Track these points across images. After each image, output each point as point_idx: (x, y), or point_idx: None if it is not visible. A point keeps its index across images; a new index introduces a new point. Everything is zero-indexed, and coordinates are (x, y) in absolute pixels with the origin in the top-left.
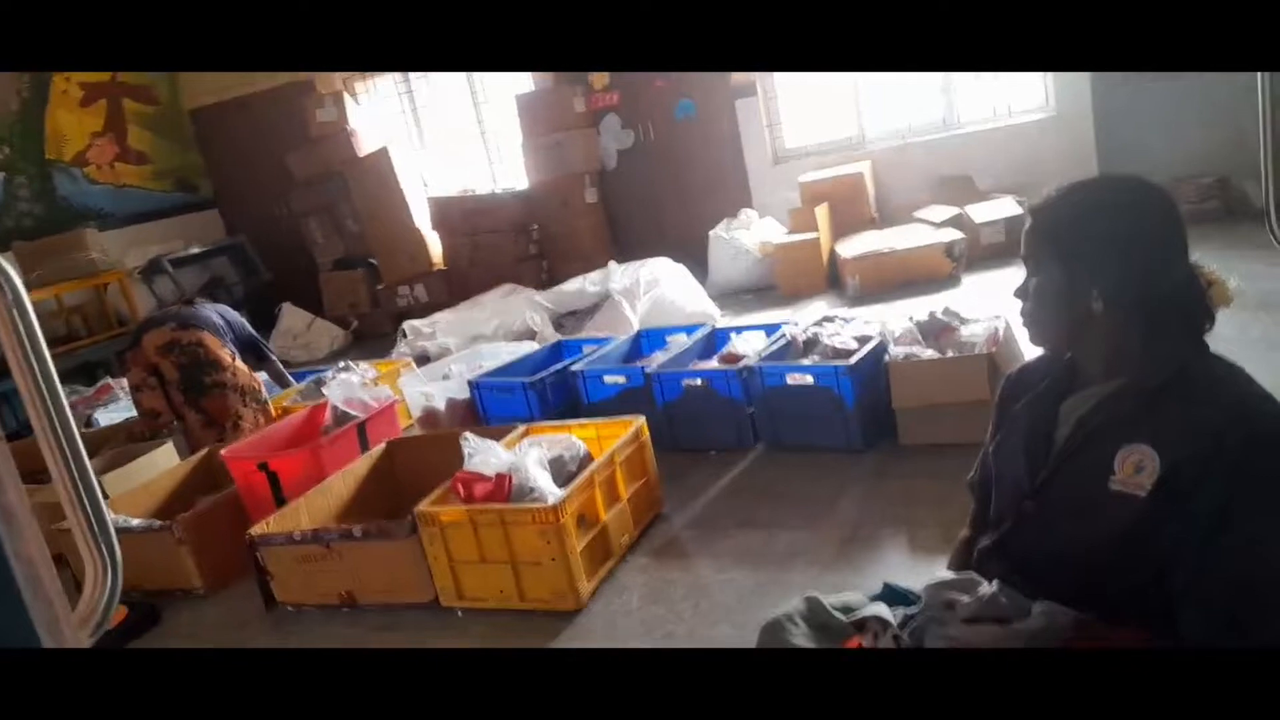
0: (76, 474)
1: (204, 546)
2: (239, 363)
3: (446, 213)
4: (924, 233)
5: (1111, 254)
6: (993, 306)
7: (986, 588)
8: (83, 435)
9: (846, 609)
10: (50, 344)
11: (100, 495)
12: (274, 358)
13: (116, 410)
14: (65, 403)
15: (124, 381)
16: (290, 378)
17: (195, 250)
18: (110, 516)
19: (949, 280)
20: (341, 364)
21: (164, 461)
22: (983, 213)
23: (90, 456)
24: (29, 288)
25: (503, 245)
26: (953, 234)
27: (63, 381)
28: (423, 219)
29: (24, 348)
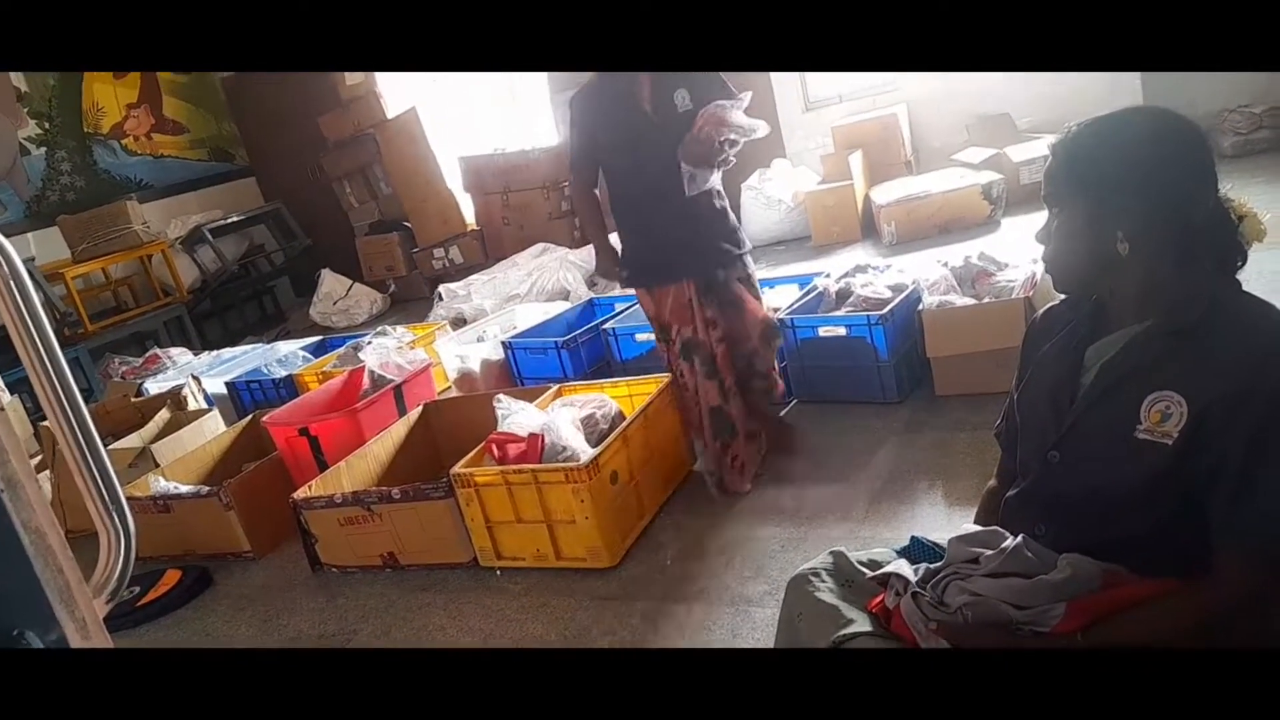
0: (85, 445)
1: (251, 511)
2: None
3: (478, 172)
4: (961, 175)
5: (1136, 191)
6: (1032, 250)
7: (1011, 541)
8: (134, 404)
9: (873, 564)
10: (100, 316)
11: (110, 467)
12: None
13: (165, 379)
14: (69, 376)
15: (171, 351)
16: None
17: (234, 218)
18: (120, 488)
19: (988, 223)
20: (378, 329)
21: (211, 429)
22: (1022, 152)
23: (142, 424)
24: (76, 261)
25: (535, 203)
26: (991, 175)
27: (114, 352)
28: (454, 180)
29: (25, 323)
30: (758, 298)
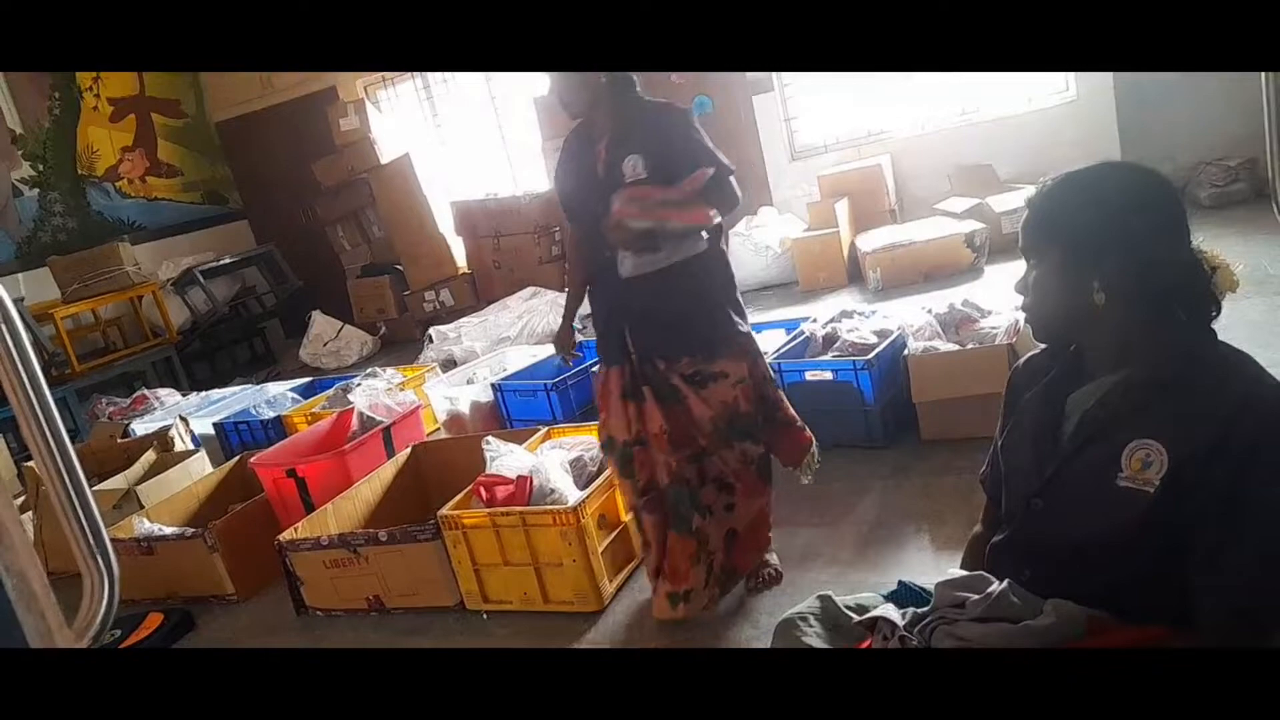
0: (72, 488)
1: (236, 553)
2: None
3: (469, 216)
4: (945, 224)
5: (1110, 244)
6: (1015, 297)
7: (997, 586)
8: (120, 445)
9: (860, 609)
10: (88, 356)
11: (96, 509)
12: None
13: (152, 420)
14: (57, 417)
15: (159, 392)
16: None
17: (226, 260)
18: (106, 532)
19: (971, 271)
20: (368, 371)
21: (197, 470)
22: (1004, 202)
23: (128, 465)
24: (66, 301)
25: (525, 248)
26: (973, 224)
27: (101, 393)
28: (446, 224)
29: (15, 365)
30: (705, 398)
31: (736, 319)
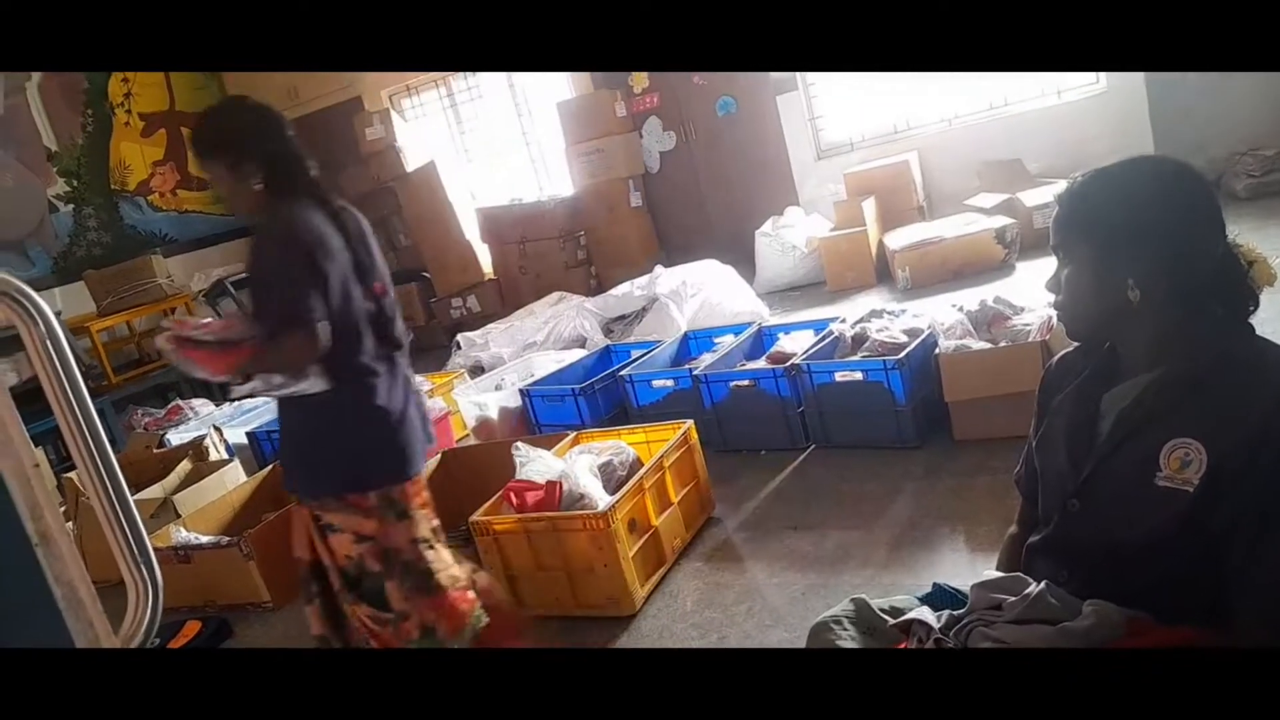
0: (115, 499)
1: (270, 561)
2: None
3: (495, 223)
4: (974, 220)
5: (1143, 239)
6: (1047, 294)
7: (1034, 588)
8: (156, 455)
9: (895, 611)
10: (124, 368)
11: (139, 519)
12: None
13: (187, 430)
14: (101, 430)
15: (193, 403)
16: None
17: None
18: (149, 541)
19: (1002, 267)
20: None
21: (231, 479)
22: (1034, 196)
23: (164, 475)
24: (102, 314)
25: (551, 253)
26: (1004, 220)
27: (136, 404)
28: (472, 230)
29: (59, 379)
30: (331, 545)
31: (352, 478)
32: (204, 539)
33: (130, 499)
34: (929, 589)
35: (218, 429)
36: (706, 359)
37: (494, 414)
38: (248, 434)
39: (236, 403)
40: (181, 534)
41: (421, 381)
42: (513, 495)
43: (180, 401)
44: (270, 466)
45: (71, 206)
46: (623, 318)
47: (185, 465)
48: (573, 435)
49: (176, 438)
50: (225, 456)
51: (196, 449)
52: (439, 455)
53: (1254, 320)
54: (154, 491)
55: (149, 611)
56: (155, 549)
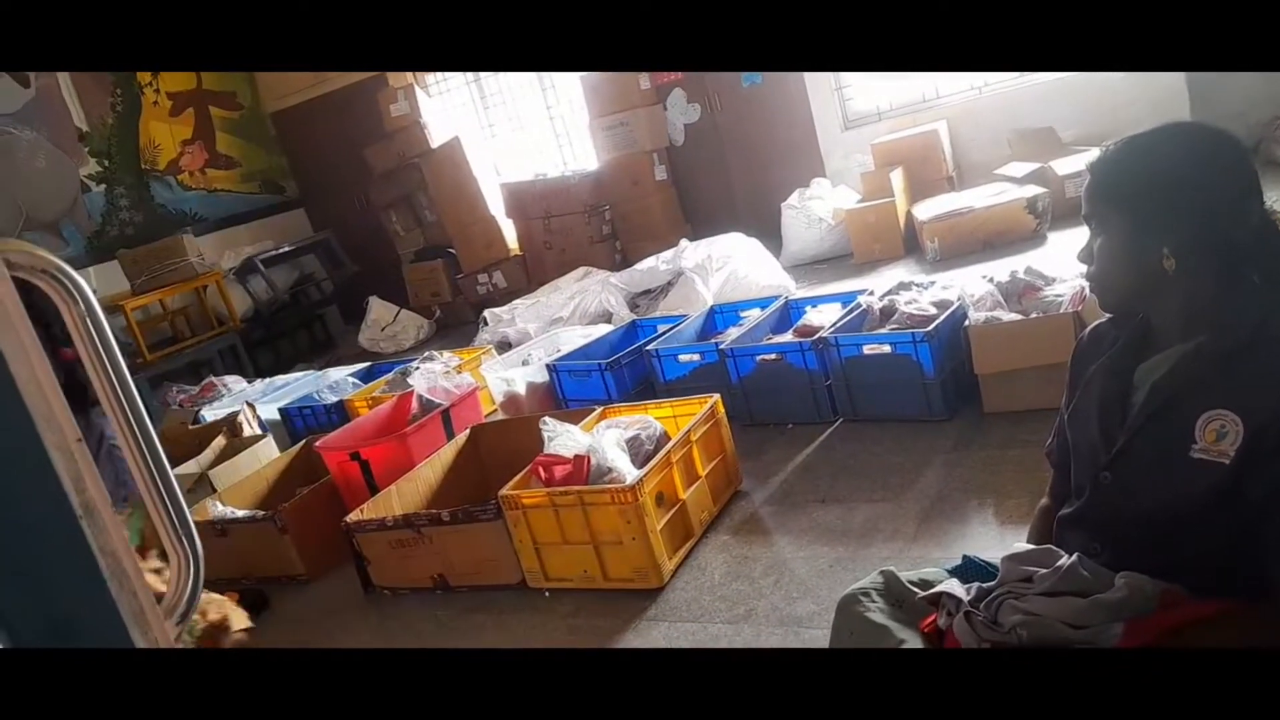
0: (157, 473)
1: (305, 534)
2: None
3: (520, 198)
4: (1005, 190)
5: (1178, 208)
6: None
7: (1066, 560)
8: (191, 431)
9: (924, 584)
10: (158, 346)
11: (180, 494)
12: None
13: (221, 406)
14: (141, 406)
15: (226, 379)
16: None
17: (285, 248)
18: (190, 515)
19: (1033, 238)
20: (425, 354)
21: (265, 454)
22: (1067, 165)
23: (199, 451)
24: (135, 293)
25: (576, 227)
26: (1035, 189)
27: (170, 381)
28: (497, 206)
29: (100, 356)
30: None
31: None
32: (240, 513)
33: (171, 474)
34: (958, 561)
35: (250, 405)
36: (733, 333)
37: (521, 389)
38: (280, 410)
39: (268, 379)
40: (218, 508)
41: (450, 357)
42: (541, 469)
43: (214, 378)
44: (303, 442)
45: (103, 186)
46: (648, 292)
47: (220, 441)
48: (600, 410)
49: (211, 414)
50: (259, 432)
51: (231, 425)
52: (468, 430)
53: None
54: (190, 467)
55: (191, 582)
56: (195, 523)
